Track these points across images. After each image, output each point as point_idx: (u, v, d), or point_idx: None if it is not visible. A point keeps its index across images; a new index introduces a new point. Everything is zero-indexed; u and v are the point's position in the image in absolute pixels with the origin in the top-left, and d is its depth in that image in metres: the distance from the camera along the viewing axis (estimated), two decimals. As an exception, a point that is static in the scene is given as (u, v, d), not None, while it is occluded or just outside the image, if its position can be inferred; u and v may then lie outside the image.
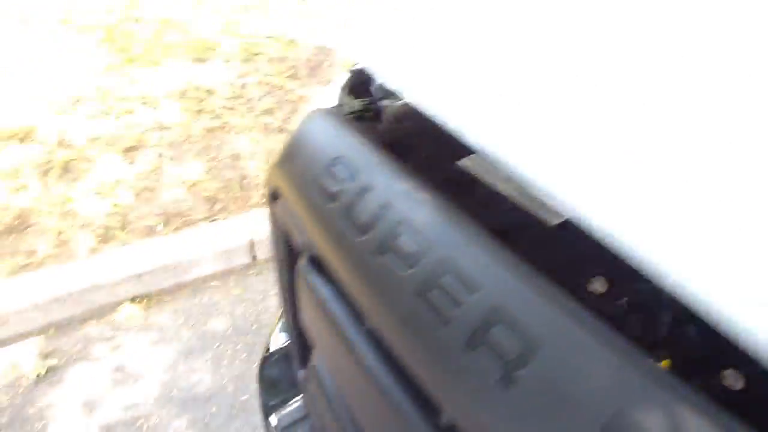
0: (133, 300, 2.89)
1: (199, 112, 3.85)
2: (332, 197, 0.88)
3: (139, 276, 2.91)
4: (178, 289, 2.96)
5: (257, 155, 3.60)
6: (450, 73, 0.87)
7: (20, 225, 3.10)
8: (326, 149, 0.96)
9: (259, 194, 3.37)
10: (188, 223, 3.18)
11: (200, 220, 3.21)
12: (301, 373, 1.25)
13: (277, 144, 3.69)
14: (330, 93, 1.19)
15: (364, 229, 0.80)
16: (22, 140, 3.49)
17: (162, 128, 3.66)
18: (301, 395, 1.33)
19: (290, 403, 1.33)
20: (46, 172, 3.33)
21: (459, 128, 0.80)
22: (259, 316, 2.81)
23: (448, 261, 0.67)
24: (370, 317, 0.80)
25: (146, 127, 3.65)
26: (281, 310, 1.58)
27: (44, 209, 3.14)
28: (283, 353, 1.45)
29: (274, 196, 1.11)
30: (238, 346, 2.64)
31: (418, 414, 0.71)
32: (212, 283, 3.00)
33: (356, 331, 0.85)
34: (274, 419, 1.30)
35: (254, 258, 3.14)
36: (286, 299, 1.20)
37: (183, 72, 4.22)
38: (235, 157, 3.58)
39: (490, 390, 0.58)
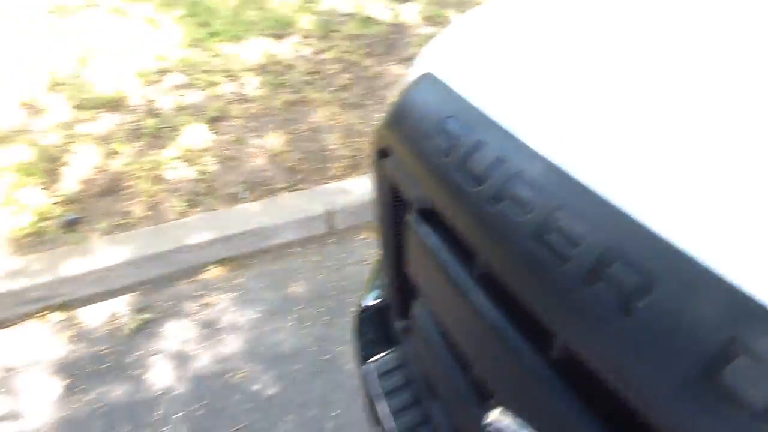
0: (219, 262, 3.05)
1: (279, 85, 3.98)
2: (446, 152, 0.95)
3: (226, 239, 3.06)
4: (261, 253, 3.11)
5: (335, 129, 3.71)
6: (521, 84, 0.93)
7: (115, 188, 3.29)
8: (438, 108, 1.03)
9: (336, 167, 3.49)
10: (270, 192, 3.32)
11: (281, 189, 3.34)
12: (398, 324, 1.34)
13: (354, 119, 3.80)
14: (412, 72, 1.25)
15: (480, 180, 0.87)
16: (113, 108, 3.69)
17: (244, 100, 3.81)
18: (395, 347, 1.42)
19: (385, 353, 1.43)
20: (137, 138, 3.52)
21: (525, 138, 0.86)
22: (339, 282, 2.92)
23: (563, 206, 0.74)
24: (485, 260, 0.87)
25: (229, 99, 3.80)
26: (374, 272, 1.68)
27: (136, 173, 3.33)
28: (378, 309, 1.54)
29: (382, 154, 1.19)
30: (320, 309, 2.77)
31: (530, 349, 0.79)
32: (293, 250, 3.13)
33: (467, 275, 0.93)
34: (369, 368, 1.40)
35: (332, 228, 3.25)
36: (389, 253, 1.28)
37: (263, 47, 4.36)
38: (314, 130, 3.70)
39: (609, 320, 0.65)
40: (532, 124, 0.86)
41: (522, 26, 1.08)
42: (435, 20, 4.87)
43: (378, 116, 3.86)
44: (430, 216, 1.04)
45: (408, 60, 4.40)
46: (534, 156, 0.82)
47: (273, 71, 4.11)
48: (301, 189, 3.35)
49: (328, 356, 2.53)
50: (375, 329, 1.49)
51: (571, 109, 0.84)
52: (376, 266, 1.66)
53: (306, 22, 4.70)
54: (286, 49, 4.36)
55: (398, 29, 4.74)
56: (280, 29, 4.60)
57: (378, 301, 1.55)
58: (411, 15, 4.95)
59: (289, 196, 3.31)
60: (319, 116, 3.79)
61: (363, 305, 1.59)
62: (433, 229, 1.03)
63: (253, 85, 3.95)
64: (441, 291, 1.03)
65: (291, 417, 2.29)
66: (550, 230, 0.75)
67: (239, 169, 3.42)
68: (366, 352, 1.46)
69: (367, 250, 3.09)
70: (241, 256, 3.08)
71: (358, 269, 2.99)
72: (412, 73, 1.18)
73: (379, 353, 1.46)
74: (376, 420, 1.49)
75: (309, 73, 4.16)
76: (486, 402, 0.91)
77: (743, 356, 0.54)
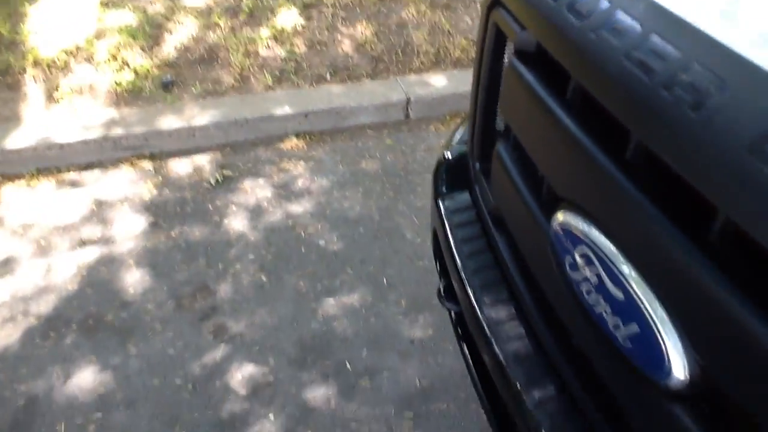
0: (298, 135, 3.25)
1: (374, -21, 4.07)
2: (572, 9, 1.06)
3: (306, 115, 3.26)
4: (337, 132, 3.29)
5: (422, 26, 3.80)
6: None
7: (209, 58, 3.51)
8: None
9: (418, 60, 3.60)
10: (353, 77, 3.47)
11: (364, 75, 3.49)
12: (478, 165, 1.47)
13: (442, 18, 3.87)
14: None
15: (585, 16, 0.99)
16: (215, -16, 3.88)
17: (338, -10, 3.93)
18: (469, 190, 1.57)
19: (458, 193, 1.58)
20: (234, 15, 3.71)
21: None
22: (407, 165, 3.09)
23: (654, 31, 0.87)
24: (577, 83, 1.00)
25: (324, -13, 3.93)
26: (456, 130, 1.82)
27: (231, 47, 3.53)
28: (457, 159, 1.68)
29: (494, 4, 1.29)
30: (387, 185, 2.95)
31: (606, 153, 0.92)
32: (368, 132, 3.31)
33: (560, 104, 1.05)
34: (441, 203, 1.57)
35: (407, 116, 3.40)
36: (483, 96, 1.39)
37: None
38: (402, 25, 3.80)
39: (681, 116, 0.78)
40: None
41: None
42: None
43: (465, 18, 3.92)
44: (530, 58, 1.16)
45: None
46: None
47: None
48: (383, 78, 3.49)
49: (389, 224, 2.73)
50: (452, 175, 1.65)
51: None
52: (460, 124, 1.79)
53: None
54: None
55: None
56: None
57: (458, 149, 1.70)
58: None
59: (370, 83, 3.46)
60: (408, 12, 3.88)
61: (444, 154, 1.74)
62: (534, 68, 1.15)
63: (348, -24, 4.06)
64: (531, 120, 1.16)
65: (350, 270, 2.52)
66: (642, 49, 0.88)
67: (326, 53, 3.58)
68: (442, 191, 1.63)
69: (437, 140, 3.24)
70: (319, 132, 3.27)
71: (427, 155, 3.14)
72: None
73: (454, 192, 1.62)
74: (436, 253, 1.68)
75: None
76: (554, 211, 1.05)
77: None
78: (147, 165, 3.11)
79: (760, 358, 0.69)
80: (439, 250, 1.60)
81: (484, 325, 1.28)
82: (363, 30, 3.71)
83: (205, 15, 3.70)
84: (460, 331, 1.59)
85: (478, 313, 1.30)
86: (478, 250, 1.42)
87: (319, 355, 2.20)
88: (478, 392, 1.48)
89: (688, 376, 0.81)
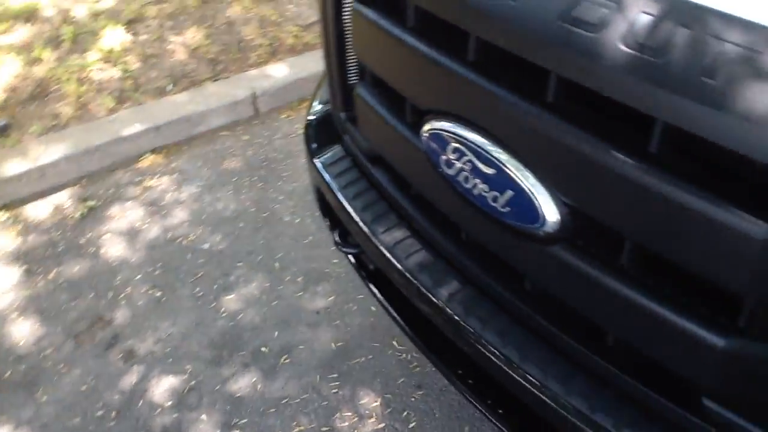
0: (153, 151, 3.21)
1: (190, -14, 4.06)
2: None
3: (157, 129, 3.23)
4: (192, 139, 3.29)
5: (251, 21, 3.85)
6: None
7: (41, 93, 3.38)
8: None
9: (255, 55, 3.65)
10: (195, 83, 3.47)
11: (205, 79, 3.50)
12: (344, 115, 1.57)
13: (267, 11, 3.94)
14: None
15: None
16: (27, 20, 3.72)
17: (158, 1, 3.89)
18: (340, 143, 1.66)
19: (331, 148, 1.68)
20: (57, 46, 3.58)
21: None
22: (267, 155, 3.14)
23: None
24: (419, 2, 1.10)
25: (143, 2, 3.87)
26: (316, 90, 1.90)
27: (61, 77, 3.41)
28: (321, 118, 1.77)
29: None
30: (254, 178, 3.00)
31: (453, 58, 1.04)
32: (222, 133, 3.32)
33: (405, 29, 1.16)
34: (317, 160, 1.65)
35: (257, 110, 3.45)
36: (335, 48, 1.47)
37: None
38: (231, 24, 3.83)
39: (506, 5, 0.90)
40: None
41: None
42: None
43: (290, 6, 4.01)
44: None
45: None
46: None
47: (181, -26, 4.17)
48: (225, 78, 3.52)
49: (266, 213, 2.79)
50: (321, 134, 1.74)
51: None
52: (318, 84, 1.88)
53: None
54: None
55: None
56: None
57: (321, 110, 1.78)
58: None
59: (214, 85, 3.47)
60: (233, 11, 3.91)
61: (308, 118, 1.82)
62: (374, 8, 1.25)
63: (163, -12, 4.02)
64: (384, 53, 1.26)
65: (241, 263, 2.55)
66: None
67: (162, 65, 3.55)
68: (315, 150, 1.71)
69: (291, 127, 3.31)
70: (174, 143, 3.25)
71: (285, 142, 3.21)
72: None
73: (326, 147, 1.71)
74: (326, 214, 1.76)
75: (217, -27, 4.24)
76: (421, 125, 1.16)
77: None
78: (2, 216, 2.96)
79: (616, 183, 0.84)
80: (326, 205, 1.70)
81: (384, 250, 1.39)
82: (193, 35, 3.71)
83: (25, 51, 3.55)
84: (363, 271, 1.69)
85: (376, 242, 1.41)
86: (361, 191, 1.53)
87: (233, 348, 2.24)
88: (395, 320, 1.59)
89: (559, 219, 0.96)
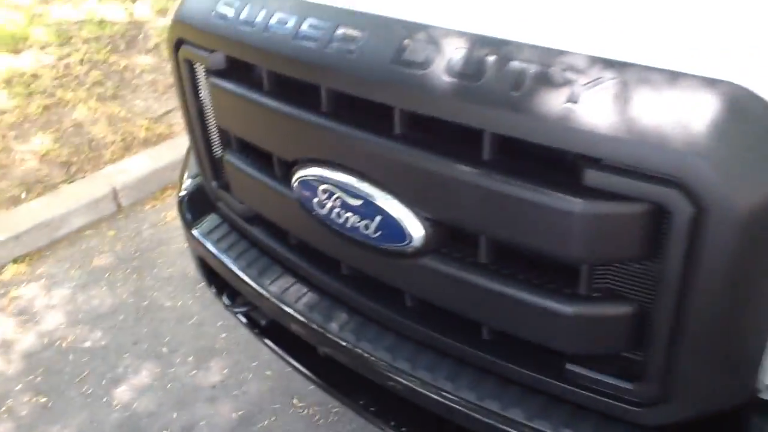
0: (15, 261, 3.12)
1: (30, 94, 4.03)
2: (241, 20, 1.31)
3: (17, 238, 3.14)
4: (55, 243, 3.22)
5: (99, 120, 3.87)
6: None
7: None
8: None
9: (109, 152, 3.66)
10: (49, 187, 3.42)
11: (60, 182, 3.46)
12: (215, 184, 1.67)
13: (114, 108, 3.98)
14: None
15: (254, 23, 1.25)
16: None
17: (-2, 113, 3.82)
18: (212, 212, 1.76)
19: (206, 217, 1.77)
20: None
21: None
22: (138, 246, 3.15)
23: (304, 17, 1.17)
24: (269, 66, 1.25)
25: (-19, 116, 3.79)
26: (183, 168, 1.98)
27: None
28: (193, 190, 1.86)
29: (178, 44, 1.50)
30: (127, 271, 2.99)
31: (308, 110, 1.20)
32: (86, 233, 3.28)
33: (261, 92, 1.31)
34: (196, 230, 1.74)
35: (119, 205, 3.44)
36: (197, 121, 1.58)
37: (1, 64, 4.33)
38: (78, 126, 3.83)
39: (344, 58, 1.08)
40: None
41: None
42: (167, 12, 5.12)
43: (138, 102, 4.07)
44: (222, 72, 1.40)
45: (151, 50, 4.63)
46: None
47: (19, 83, 4.12)
48: (81, 178, 3.50)
49: (146, 302, 2.79)
50: (194, 206, 1.82)
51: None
52: (185, 161, 1.97)
53: (40, 33, 4.71)
54: (28, 61, 4.37)
55: (135, 25, 4.92)
56: (15, 45, 4.56)
57: (191, 184, 1.87)
58: (144, 11, 5.16)
59: (70, 187, 3.44)
60: (79, 113, 3.91)
61: (180, 194, 1.90)
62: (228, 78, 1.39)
63: (2, 99, 3.96)
64: (246, 116, 1.40)
65: (127, 354, 2.53)
66: (302, 27, 1.17)
67: (12, 175, 3.47)
68: (191, 222, 1.79)
69: (157, 216, 3.34)
70: (37, 250, 3.18)
71: (154, 231, 3.23)
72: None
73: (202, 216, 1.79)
74: (211, 283, 1.84)
75: (58, 78, 4.23)
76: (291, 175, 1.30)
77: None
78: None
79: (464, 192, 1.02)
80: (210, 272, 1.78)
81: (274, 299, 1.50)
82: (41, 141, 3.67)
83: None
84: (256, 328, 1.78)
85: (265, 294, 1.52)
86: (243, 251, 1.64)
87: (132, 438, 2.21)
88: (294, 367, 1.68)
89: (423, 233, 1.13)
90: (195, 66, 1.51)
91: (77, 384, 2.43)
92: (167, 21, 4.92)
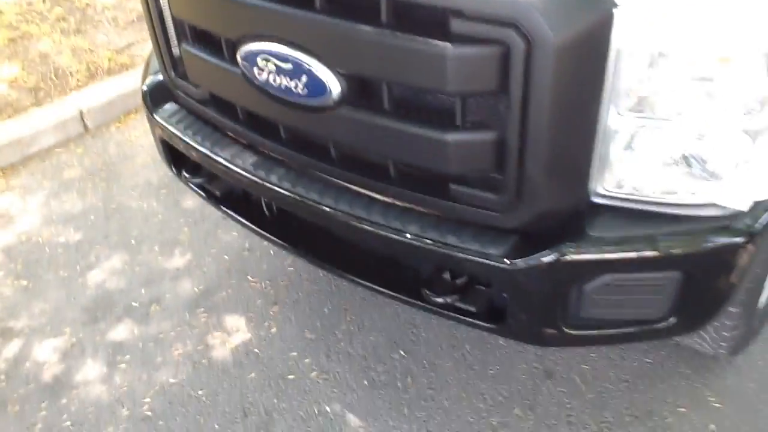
0: (-11, 174, 3.40)
1: (-6, 27, 4.24)
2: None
3: (-11, 153, 3.41)
4: (27, 159, 3.50)
5: (63, 52, 4.12)
6: None
7: None
8: None
9: (75, 80, 3.92)
10: (19, 110, 3.68)
11: (29, 106, 3.72)
12: (173, 73, 1.99)
13: (79, 41, 4.22)
14: None
15: None
16: None
17: (-36, 43, 4.04)
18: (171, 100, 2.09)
19: (166, 105, 2.10)
20: None
21: None
22: (105, 161, 3.45)
23: None
24: None
25: (-52, 45, 4.00)
26: (146, 64, 2.29)
27: None
28: (153, 85, 2.18)
29: None
30: (96, 180, 3.30)
31: None
32: (56, 150, 3.57)
33: None
34: (158, 116, 2.07)
35: (86, 126, 3.73)
36: (158, 21, 1.90)
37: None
38: (44, 56, 4.07)
39: None
40: None
41: None
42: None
43: (100, 36, 4.31)
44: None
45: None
46: None
47: (-17, 17, 4.33)
48: (49, 103, 3.76)
49: (114, 205, 3.11)
50: (156, 96, 2.14)
51: None
52: (146, 62, 2.28)
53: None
54: (-11, -2, 4.56)
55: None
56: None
57: (152, 80, 2.19)
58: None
59: (39, 110, 3.70)
60: (44, 45, 4.15)
61: (143, 88, 2.22)
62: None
63: (-34, 32, 4.16)
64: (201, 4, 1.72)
65: (99, 246, 2.87)
66: None
67: (-19, 98, 3.72)
68: (154, 110, 2.12)
69: (122, 136, 3.64)
70: (10, 165, 3.45)
71: (119, 149, 3.53)
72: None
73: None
74: (172, 163, 2.18)
75: (22, 14, 4.44)
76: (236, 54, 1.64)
77: None
78: None
79: (369, 49, 1.38)
80: (171, 151, 2.12)
81: (226, 163, 1.85)
82: (9, 70, 3.91)
83: None
84: (212, 198, 2.13)
85: (219, 159, 1.87)
86: (199, 129, 1.98)
87: (106, 308, 2.56)
88: (245, 225, 2.04)
89: (340, 88, 1.49)
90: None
91: (54, 269, 2.76)
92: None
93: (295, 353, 2.32)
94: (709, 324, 1.70)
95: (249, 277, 2.65)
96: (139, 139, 3.60)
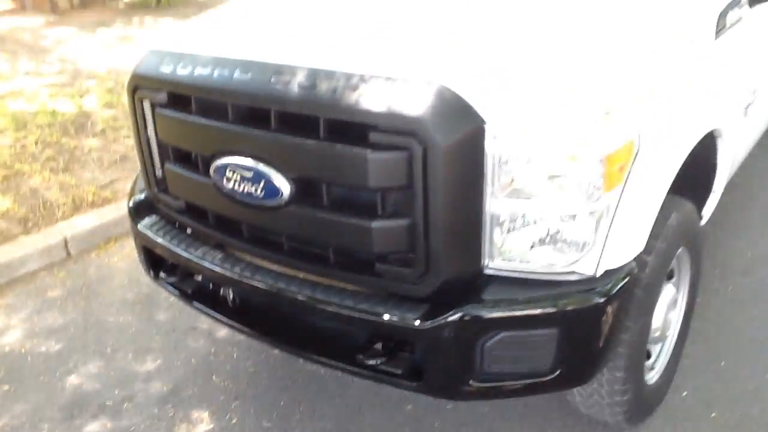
0: (-23, 295, 3.70)
1: (-10, 167, 4.70)
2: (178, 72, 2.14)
3: (-21, 276, 3.74)
4: (13, 282, 3.82)
5: (52, 187, 4.56)
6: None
7: None
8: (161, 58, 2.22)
9: (61, 212, 4.33)
10: (9, 238, 4.05)
11: (18, 234, 4.09)
12: (156, 189, 2.42)
13: (66, 178, 4.68)
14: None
15: (192, 69, 2.09)
16: None
17: (-38, 180, 4.47)
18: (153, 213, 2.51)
19: (148, 216, 2.51)
20: None
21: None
22: (85, 282, 3.78)
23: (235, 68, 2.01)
24: (200, 95, 2.08)
25: (-52, 182, 4.42)
26: (132, 188, 2.72)
27: None
28: (138, 201, 2.60)
29: (134, 89, 2.30)
30: (76, 299, 3.61)
31: (218, 120, 2.02)
32: (41, 274, 3.91)
33: (189, 113, 2.13)
34: (141, 225, 2.47)
35: (69, 252, 4.09)
36: (146, 145, 2.35)
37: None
38: (34, 191, 4.51)
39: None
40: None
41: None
42: (112, 105, 5.95)
43: (86, 174, 4.79)
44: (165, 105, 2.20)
45: (98, 134, 5.39)
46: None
47: (-20, 159, 4.80)
48: (36, 232, 4.14)
49: (92, 319, 3.41)
50: (138, 211, 2.56)
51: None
52: (133, 184, 2.71)
53: (-3, 122, 5.43)
54: (-15, 143, 5.07)
55: (84, 115, 5.72)
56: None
57: (137, 198, 2.62)
58: (92, 104, 5.98)
59: (27, 238, 4.08)
60: (34, 182, 4.60)
61: (129, 204, 2.63)
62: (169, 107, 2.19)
63: (-36, 172, 4.61)
64: (181, 131, 2.18)
65: (77, 355, 3.15)
66: (222, 69, 2.00)
67: (-25, 228, 4.09)
68: (137, 221, 2.52)
69: (102, 261, 4.00)
70: (-3, 287, 3.77)
71: (99, 272, 3.88)
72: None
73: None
74: (150, 267, 2.55)
75: (15, 155, 4.94)
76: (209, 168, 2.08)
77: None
78: None
79: (315, 159, 1.83)
80: (150, 257, 2.50)
81: (198, 261, 2.24)
82: (1, 202, 4.32)
83: None
84: (184, 296, 2.48)
85: (191, 258, 2.26)
86: (176, 234, 2.38)
87: (82, 407, 2.81)
88: (212, 316, 2.39)
89: (290, 190, 1.92)
90: (144, 103, 2.29)
91: (35, 375, 3.02)
92: (113, 112, 5.77)
93: (253, 438, 2.58)
94: (591, 378, 2.05)
95: (214, 377, 2.93)
96: (117, 264, 3.96)
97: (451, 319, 1.80)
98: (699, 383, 2.77)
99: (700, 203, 2.75)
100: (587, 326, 1.87)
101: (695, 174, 2.67)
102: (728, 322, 3.14)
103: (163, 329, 3.29)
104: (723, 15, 2.39)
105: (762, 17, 2.83)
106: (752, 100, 2.88)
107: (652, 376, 2.51)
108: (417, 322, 1.82)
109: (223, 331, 3.19)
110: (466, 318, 1.80)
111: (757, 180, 4.52)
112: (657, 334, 2.39)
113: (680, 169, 2.14)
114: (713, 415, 2.61)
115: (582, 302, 1.82)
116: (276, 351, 2.97)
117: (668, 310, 2.44)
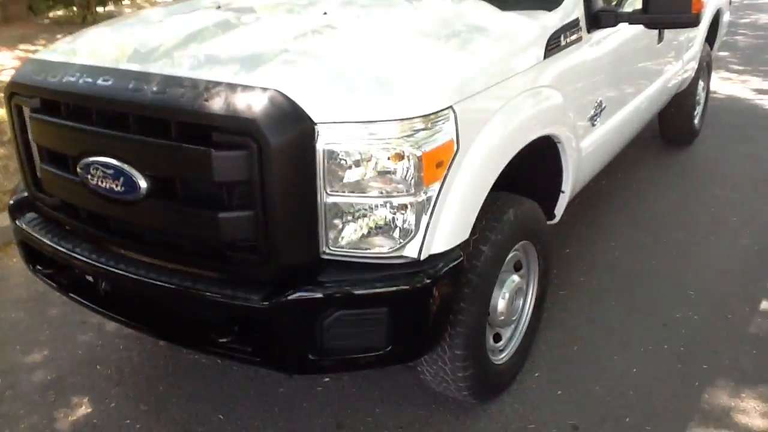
0: None
1: None
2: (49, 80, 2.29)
3: None
4: None
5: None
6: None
7: None
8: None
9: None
10: None
11: None
12: (33, 188, 2.55)
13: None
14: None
15: (60, 77, 2.24)
16: None
17: None
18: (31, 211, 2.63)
19: (27, 214, 2.63)
20: None
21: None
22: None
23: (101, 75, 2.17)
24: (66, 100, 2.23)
25: None
26: (15, 188, 2.83)
27: None
28: (17, 201, 2.72)
29: (11, 96, 2.43)
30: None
31: (78, 121, 2.18)
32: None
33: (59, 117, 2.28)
34: (19, 221, 2.59)
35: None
36: (23, 148, 2.49)
37: None
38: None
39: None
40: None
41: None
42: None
43: (-13, 176, 4.81)
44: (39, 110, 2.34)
45: (4, 143, 5.40)
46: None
47: None
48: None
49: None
50: (19, 209, 2.68)
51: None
52: (14, 188, 2.82)
53: None
54: None
55: (-10, 119, 5.72)
56: None
57: (17, 197, 2.74)
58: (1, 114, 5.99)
59: None
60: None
61: (9, 203, 2.75)
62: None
63: None
64: (50, 134, 2.32)
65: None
66: (88, 77, 2.16)
67: None
68: (16, 218, 2.64)
69: (-1, 260, 4.07)
70: None
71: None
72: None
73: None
74: (29, 260, 2.67)
75: None
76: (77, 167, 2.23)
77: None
78: None
79: (167, 157, 2.02)
80: (29, 250, 2.62)
81: (69, 252, 2.38)
82: None
83: None
84: (58, 286, 2.60)
85: (64, 250, 2.40)
86: (51, 229, 2.52)
87: (-37, 398, 2.89)
88: (85, 305, 2.53)
89: (146, 185, 2.09)
90: (24, 109, 2.43)
91: None
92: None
93: (128, 421, 2.72)
94: (423, 354, 2.29)
95: (98, 366, 3.06)
96: (15, 265, 4.02)
97: (290, 298, 2.01)
98: (552, 366, 3.05)
99: (550, 203, 3.05)
100: (415, 306, 2.10)
101: (542, 176, 2.98)
102: (586, 312, 3.45)
103: (53, 324, 3.40)
104: (554, 38, 2.69)
105: (602, 41, 3.15)
106: (596, 112, 3.20)
107: (501, 357, 2.77)
108: (259, 302, 2.02)
109: (111, 325, 3.30)
110: (303, 297, 2.01)
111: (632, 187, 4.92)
112: (502, 318, 2.64)
113: (521, 170, 2.43)
114: (559, 392, 2.89)
115: (408, 283, 2.05)
116: (161, 342, 3.13)
117: (515, 297, 2.71)
